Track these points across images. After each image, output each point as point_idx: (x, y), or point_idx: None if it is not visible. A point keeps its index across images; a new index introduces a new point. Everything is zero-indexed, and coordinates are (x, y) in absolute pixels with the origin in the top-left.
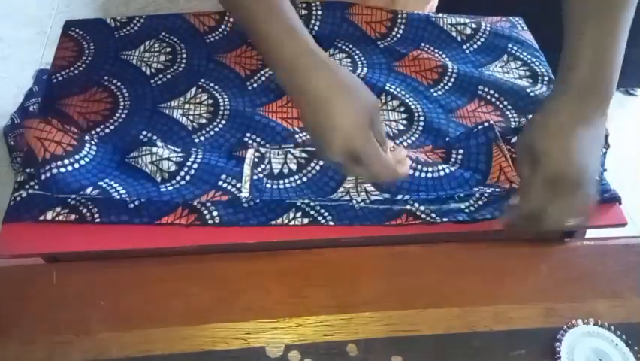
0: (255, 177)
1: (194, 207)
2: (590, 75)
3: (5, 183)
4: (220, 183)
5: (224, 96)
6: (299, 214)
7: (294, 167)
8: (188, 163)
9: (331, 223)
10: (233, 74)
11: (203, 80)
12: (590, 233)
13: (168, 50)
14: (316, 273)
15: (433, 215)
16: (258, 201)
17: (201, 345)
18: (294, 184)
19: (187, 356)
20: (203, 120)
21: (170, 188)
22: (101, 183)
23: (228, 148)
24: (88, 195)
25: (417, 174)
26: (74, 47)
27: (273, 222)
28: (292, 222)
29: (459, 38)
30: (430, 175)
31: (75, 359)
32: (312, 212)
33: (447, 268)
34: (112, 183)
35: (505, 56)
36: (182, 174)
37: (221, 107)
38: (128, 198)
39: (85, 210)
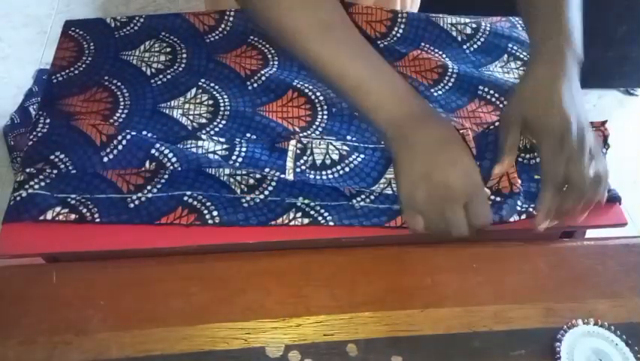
0: (298, 170)
1: (194, 207)
2: (564, 41)
3: (5, 183)
4: (264, 173)
5: (225, 96)
6: (299, 214)
7: (335, 157)
8: (233, 157)
9: (331, 223)
10: (233, 74)
11: (203, 80)
12: (590, 233)
13: (168, 50)
14: (316, 273)
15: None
16: (258, 201)
17: (201, 345)
18: (336, 175)
19: (187, 356)
20: (204, 120)
21: (217, 157)
22: (153, 151)
23: (272, 139)
24: (145, 169)
25: None
26: (74, 47)
27: (273, 223)
28: (292, 223)
29: (459, 38)
30: None
31: (75, 359)
32: (312, 212)
33: (447, 268)
34: (162, 149)
35: (506, 55)
36: (229, 163)
37: (222, 108)
38: (179, 168)
39: (85, 210)
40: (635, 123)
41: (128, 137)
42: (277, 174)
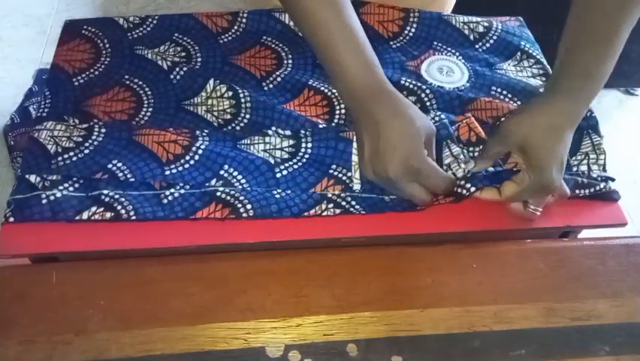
0: None
1: (227, 202)
2: (586, 85)
3: (5, 183)
4: (331, 171)
5: (244, 90)
6: (330, 205)
7: None
8: (300, 153)
9: (363, 212)
10: (248, 75)
11: (219, 81)
12: (590, 233)
13: (183, 54)
14: (316, 273)
15: (462, 182)
16: (289, 192)
17: (201, 345)
18: None
19: (187, 356)
20: (228, 116)
21: (285, 173)
22: (221, 172)
23: (336, 130)
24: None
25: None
26: (91, 47)
27: (306, 214)
28: (325, 213)
29: (471, 37)
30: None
31: (75, 359)
32: (342, 203)
33: (447, 268)
34: (231, 171)
35: (519, 53)
36: (294, 160)
37: (242, 100)
38: (248, 188)
39: (119, 208)
40: (635, 123)
41: (197, 157)
42: (344, 171)
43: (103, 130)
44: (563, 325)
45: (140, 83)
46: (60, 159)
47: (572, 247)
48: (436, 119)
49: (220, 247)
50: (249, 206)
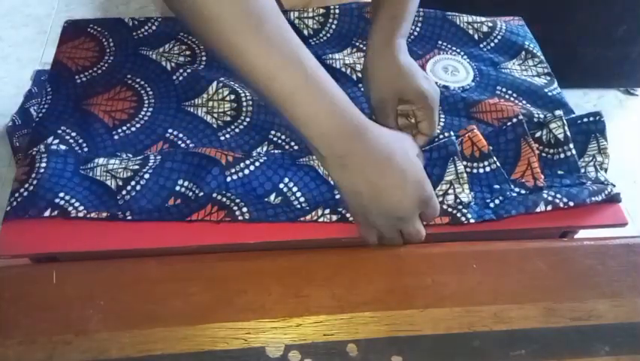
0: None
1: (223, 204)
2: (403, 18)
3: (5, 183)
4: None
5: (246, 92)
6: (327, 211)
7: None
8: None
9: None
10: None
11: (223, 79)
12: (590, 233)
13: (188, 52)
14: (316, 273)
15: (464, 210)
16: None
17: (201, 345)
18: None
19: (187, 356)
20: (228, 118)
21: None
22: (281, 185)
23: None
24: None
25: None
26: (95, 46)
27: (302, 219)
28: (321, 219)
29: (476, 36)
30: None
31: (75, 359)
32: (339, 208)
33: (447, 268)
34: (287, 182)
35: (523, 53)
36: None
37: (244, 103)
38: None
39: (115, 210)
40: (635, 123)
41: (261, 160)
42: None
43: (159, 157)
44: (563, 325)
45: (142, 82)
46: (124, 192)
47: (572, 247)
48: (440, 136)
49: (220, 248)
50: (244, 209)
